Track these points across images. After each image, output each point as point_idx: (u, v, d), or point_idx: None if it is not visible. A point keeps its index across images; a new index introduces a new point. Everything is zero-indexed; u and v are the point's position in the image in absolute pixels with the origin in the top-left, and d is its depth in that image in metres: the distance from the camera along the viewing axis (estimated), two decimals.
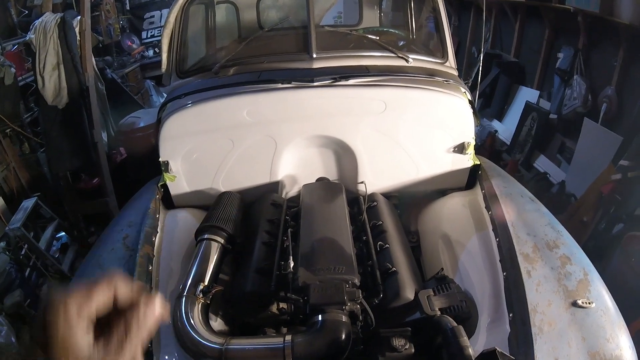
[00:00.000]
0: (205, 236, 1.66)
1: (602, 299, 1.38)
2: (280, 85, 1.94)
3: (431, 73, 2.14)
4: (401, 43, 2.66)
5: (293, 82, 1.94)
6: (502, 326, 1.36)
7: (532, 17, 4.82)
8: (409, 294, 1.45)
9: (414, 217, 2.18)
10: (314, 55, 2.03)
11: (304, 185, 1.98)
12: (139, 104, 5.06)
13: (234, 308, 1.55)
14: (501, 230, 1.64)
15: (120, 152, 4.16)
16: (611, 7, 3.54)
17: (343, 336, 1.24)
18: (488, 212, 1.81)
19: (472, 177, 2.16)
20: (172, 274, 1.65)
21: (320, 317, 1.28)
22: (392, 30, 2.81)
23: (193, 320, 1.34)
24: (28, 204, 3.56)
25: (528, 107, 4.68)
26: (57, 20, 3.27)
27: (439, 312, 1.38)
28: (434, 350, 1.29)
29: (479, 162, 2.13)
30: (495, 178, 1.99)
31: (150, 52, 6.55)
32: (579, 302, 1.35)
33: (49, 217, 3.83)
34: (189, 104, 1.96)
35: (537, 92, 4.71)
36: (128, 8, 6.72)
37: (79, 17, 3.30)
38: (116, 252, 1.64)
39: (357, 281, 1.40)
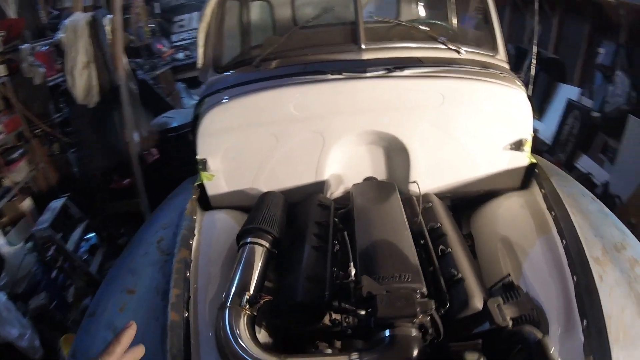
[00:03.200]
0: (249, 240, 1.53)
1: None
2: (330, 77, 1.82)
3: (485, 65, 2.02)
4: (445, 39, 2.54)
5: (344, 73, 1.82)
6: (575, 335, 1.25)
7: (571, 12, 4.63)
8: (477, 303, 1.32)
9: (466, 219, 2.05)
10: (363, 46, 1.91)
11: (354, 185, 1.85)
12: (170, 106, 5.05)
13: (282, 319, 1.40)
14: (568, 232, 1.51)
15: (152, 152, 4.15)
16: None
17: (415, 353, 1.11)
18: (550, 213, 1.68)
19: (527, 177, 2.02)
20: (211, 280, 1.53)
21: (388, 333, 1.15)
22: (440, 23, 2.69)
23: (240, 334, 1.21)
24: (56, 204, 3.57)
25: (570, 105, 4.46)
26: (87, 19, 3.26)
27: (510, 323, 1.25)
28: None
29: (535, 161, 2.01)
30: (554, 177, 1.86)
31: (181, 55, 6.56)
32: None
33: (78, 218, 3.82)
34: (230, 97, 1.85)
35: (578, 90, 4.50)
36: (158, 11, 6.77)
37: (110, 16, 3.29)
38: (150, 257, 1.54)
39: (425, 290, 1.26)
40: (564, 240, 1.52)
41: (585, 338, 1.23)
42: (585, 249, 1.41)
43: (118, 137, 3.54)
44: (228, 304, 1.29)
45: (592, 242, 1.47)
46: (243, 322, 1.25)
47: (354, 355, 1.12)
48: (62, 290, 3.33)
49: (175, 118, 4.07)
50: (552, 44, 4.89)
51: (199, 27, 2.24)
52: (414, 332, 1.14)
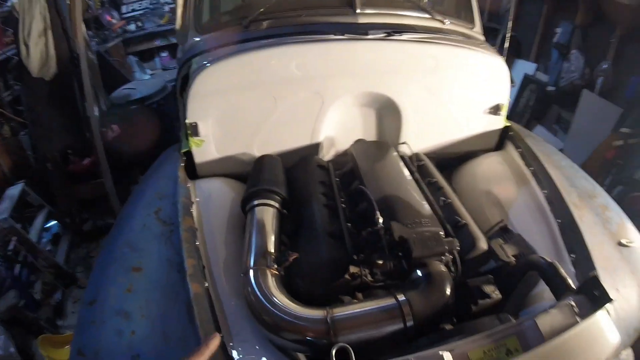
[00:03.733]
0: (255, 202, 1.50)
1: (639, 240, 1.55)
2: (332, 37, 1.80)
3: (467, 36, 2.15)
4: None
5: (346, 35, 1.81)
6: (566, 267, 1.39)
7: None
8: (482, 244, 1.43)
9: (447, 178, 2.14)
10: (358, 10, 1.92)
11: (353, 145, 1.88)
12: (127, 79, 4.69)
13: (306, 279, 1.35)
14: (547, 183, 1.72)
15: (112, 129, 3.84)
16: None
17: (449, 288, 1.18)
18: (529, 168, 1.87)
19: (501, 139, 2.19)
20: (219, 249, 1.47)
21: (423, 271, 1.20)
22: None
23: (273, 295, 1.17)
24: (14, 191, 3.26)
25: (526, 79, 4.74)
26: None
27: (513, 259, 1.39)
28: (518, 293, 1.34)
29: (509, 124, 2.17)
30: (527, 138, 2.07)
31: (133, 27, 6.13)
32: (623, 241, 1.52)
33: (38, 205, 3.50)
34: (227, 55, 1.75)
35: (535, 65, 4.77)
36: None
37: None
38: (150, 229, 1.43)
39: (443, 233, 1.33)
40: (544, 190, 1.71)
41: (576, 268, 1.41)
42: (564, 196, 1.61)
43: (78, 112, 3.24)
44: (252, 267, 1.24)
45: (569, 190, 1.68)
46: (272, 282, 1.21)
47: (400, 296, 1.15)
48: (28, 286, 3.04)
49: (138, 89, 3.74)
50: (511, 22, 5.10)
51: None
52: (444, 269, 1.21)
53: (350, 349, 0.93)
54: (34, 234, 3.25)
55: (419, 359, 0.91)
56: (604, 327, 1.03)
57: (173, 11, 6.40)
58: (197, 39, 2.05)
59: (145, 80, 4.77)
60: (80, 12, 2.87)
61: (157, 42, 6.35)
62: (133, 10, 6.39)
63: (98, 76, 3.70)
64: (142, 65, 6.03)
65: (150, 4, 6.48)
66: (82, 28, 3.01)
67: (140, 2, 6.46)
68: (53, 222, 3.67)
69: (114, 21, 5.93)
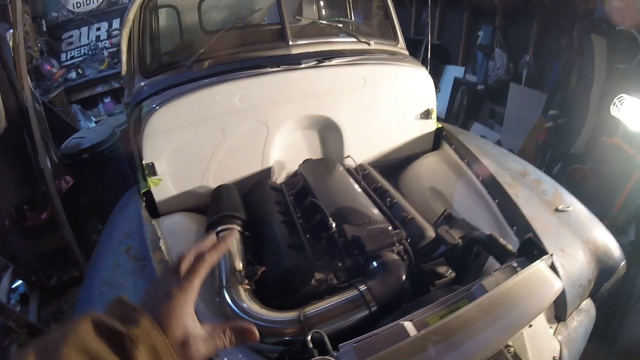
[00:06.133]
0: (219, 229, 1.62)
1: (575, 204, 1.72)
2: (269, 70, 1.97)
3: (391, 53, 2.38)
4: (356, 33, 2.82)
5: (282, 66, 1.99)
6: (509, 239, 1.56)
7: (451, 3, 5.33)
8: (430, 233, 1.60)
9: (393, 183, 2.33)
10: (290, 43, 2.11)
11: (301, 165, 2.03)
12: (74, 128, 4.61)
13: (274, 290, 1.46)
14: (481, 170, 1.92)
15: (65, 180, 3.78)
16: None
17: (403, 272, 1.33)
18: (464, 161, 2.08)
19: (436, 139, 2.41)
20: None
21: (378, 262, 1.36)
22: (347, 20, 3.04)
23: (248, 306, 1.28)
24: None
25: (457, 82, 5.12)
26: None
27: (460, 241, 1.54)
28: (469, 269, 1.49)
29: (441, 126, 2.40)
30: (459, 135, 2.29)
31: (73, 74, 6.06)
32: (560, 207, 1.67)
33: (2, 266, 3.37)
34: (175, 96, 1.87)
35: (463, 68, 5.18)
36: (45, 29, 6.12)
37: (11, 31, 2.95)
38: (124, 267, 1.48)
39: (391, 227, 1.49)
40: (480, 177, 1.90)
41: (519, 238, 1.57)
42: (497, 178, 1.80)
43: (31, 165, 3.20)
44: (225, 285, 1.35)
45: (502, 173, 1.86)
46: (245, 295, 1.33)
47: (361, 286, 1.30)
48: (3, 352, 2.87)
49: (87, 137, 3.68)
50: (436, 32, 5.54)
51: (121, 33, 2.22)
52: (397, 257, 1.38)
53: (324, 333, 1.02)
54: (1, 295, 3.08)
55: (383, 331, 1.00)
56: (543, 275, 1.16)
57: (112, 55, 6.46)
58: (144, 82, 2.16)
59: (94, 128, 4.72)
60: (25, 64, 2.88)
61: (99, 88, 6.27)
62: (72, 58, 6.31)
63: (46, 127, 3.66)
64: (86, 113, 5.93)
65: (88, 50, 6.44)
66: (27, 81, 3.02)
67: (79, 49, 6.39)
68: (19, 282, 3.54)
69: (54, 70, 5.82)
